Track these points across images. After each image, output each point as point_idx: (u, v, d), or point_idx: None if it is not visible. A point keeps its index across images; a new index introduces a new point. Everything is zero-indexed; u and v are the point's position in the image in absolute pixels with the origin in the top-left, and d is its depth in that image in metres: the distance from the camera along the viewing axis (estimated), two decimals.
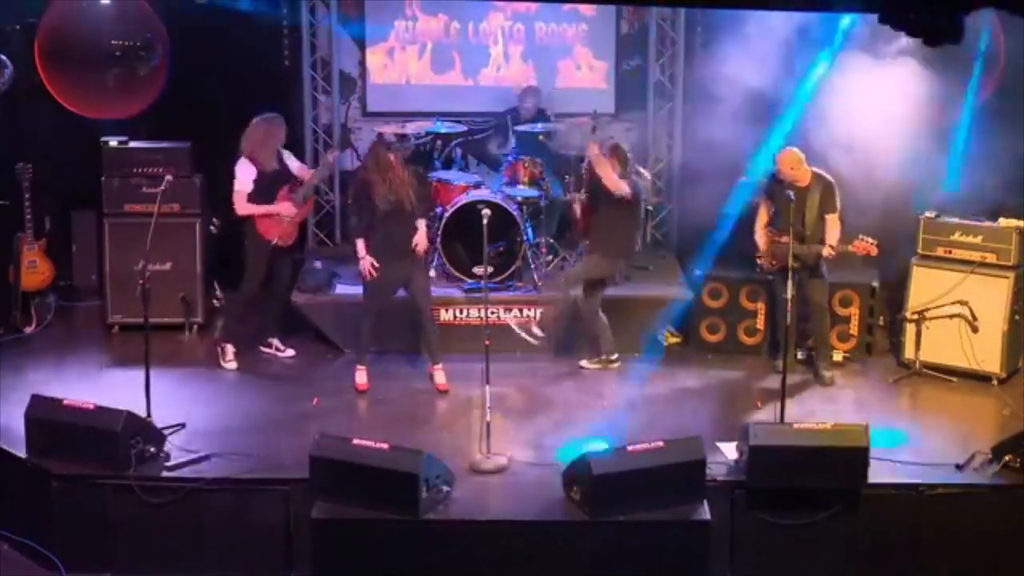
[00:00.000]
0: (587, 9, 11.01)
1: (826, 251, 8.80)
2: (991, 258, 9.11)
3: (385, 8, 11.18)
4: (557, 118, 10.70)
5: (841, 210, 8.90)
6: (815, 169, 8.92)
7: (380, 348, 9.55)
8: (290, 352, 9.56)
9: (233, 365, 9.30)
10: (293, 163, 9.38)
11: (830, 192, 8.88)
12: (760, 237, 9.12)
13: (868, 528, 7.38)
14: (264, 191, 9.12)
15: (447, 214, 9.73)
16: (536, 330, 9.20)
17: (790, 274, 8.25)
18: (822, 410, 8.50)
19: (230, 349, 9.34)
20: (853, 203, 9.28)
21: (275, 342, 9.56)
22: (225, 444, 7.86)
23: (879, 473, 7.43)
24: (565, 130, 10.69)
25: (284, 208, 9.16)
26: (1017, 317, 9.08)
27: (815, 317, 9.12)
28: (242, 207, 9.09)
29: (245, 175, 9.07)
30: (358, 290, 9.50)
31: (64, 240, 10.50)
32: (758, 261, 9.19)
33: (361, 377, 8.94)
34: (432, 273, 9.90)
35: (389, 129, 10.90)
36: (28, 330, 9.92)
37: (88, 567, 7.42)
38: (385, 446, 7.17)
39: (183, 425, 8.05)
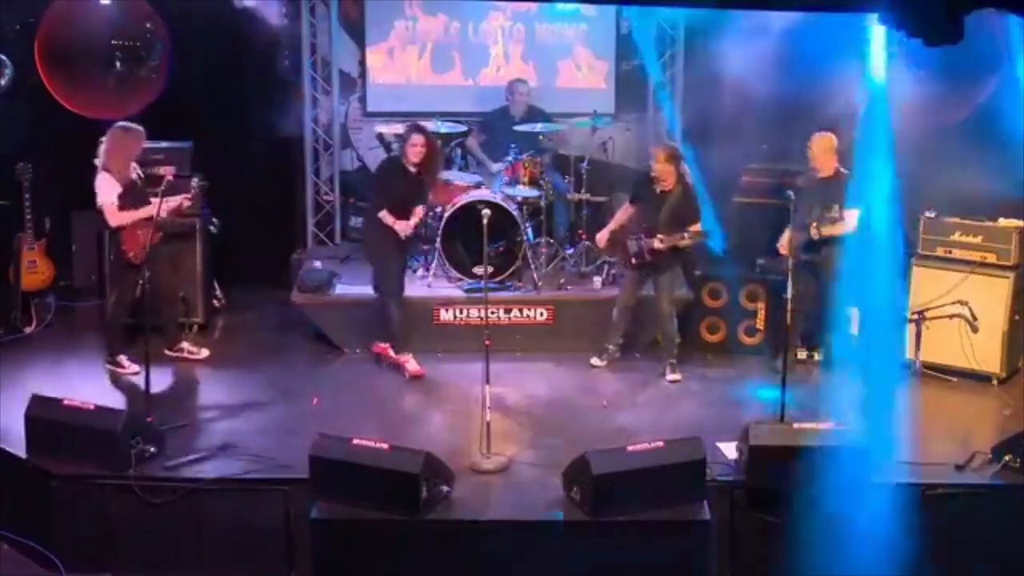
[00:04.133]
0: (587, 9, 11.01)
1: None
2: (991, 258, 9.12)
3: (385, 8, 11.18)
4: (557, 118, 10.70)
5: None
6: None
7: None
8: (134, 368, 8.99)
9: (135, 368, 8.93)
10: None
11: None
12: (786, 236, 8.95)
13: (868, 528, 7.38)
14: (131, 203, 8.82)
15: (447, 214, 9.73)
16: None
17: (790, 274, 8.25)
18: (822, 410, 8.49)
19: (124, 359, 9.08)
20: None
21: (122, 359, 9.13)
22: (225, 444, 7.87)
23: (879, 473, 7.42)
24: (565, 130, 10.72)
25: (150, 209, 8.69)
26: (1017, 317, 9.08)
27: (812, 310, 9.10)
28: (117, 217, 8.75)
29: (108, 189, 8.77)
30: (358, 290, 9.54)
31: (64, 240, 10.50)
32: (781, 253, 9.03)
33: (413, 365, 9.14)
34: (430, 273, 9.94)
35: (389, 129, 10.92)
36: (28, 330, 9.91)
37: (88, 567, 7.42)
38: (385, 446, 7.17)
39: (183, 425, 8.05)
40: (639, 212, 9.12)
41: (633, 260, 9.11)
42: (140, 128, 8.95)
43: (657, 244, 8.91)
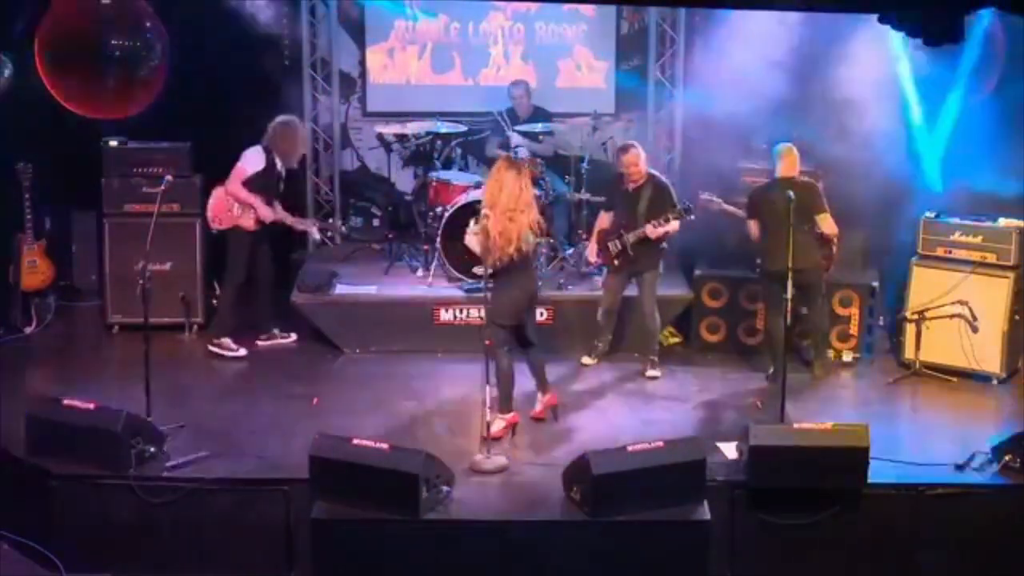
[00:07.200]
0: (587, 9, 11.02)
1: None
2: (991, 258, 9.12)
3: (385, 8, 11.17)
4: (557, 118, 10.70)
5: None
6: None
7: (380, 348, 9.59)
8: (292, 336, 9.69)
9: (242, 352, 9.45)
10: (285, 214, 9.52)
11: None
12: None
13: (868, 528, 7.38)
14: (259, 188, 9.22)
15: (447, 214, 9.73)
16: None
17: (789, 274, 8.23)
18: (822, 410, 8.50)
19: (227, 341, 9.45)
20: (853, 201, 9.29)
21: (275, 331, 9.67)
22: (225, 444, 7.87)
23: (879, 473, 7.43)
24: (565, 130, 10.71)
25: (264, 212, 9.28)
26: (1017, 317, 9.09)
27: (818, 311, 9.09)
28: (237, 186, 9.18)
29: (252, 161, 9.20)
30: (358, 290, 9.52)
31: (64, 240, 10.50)
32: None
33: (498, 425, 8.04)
34: (431, 273, 9.93)
35: (389, 129, 10.93)
36: (28, 330, 9.92)
37: (88, 567, 7.42)
38: (385, 446, 7.17)
39: (183, 425, 8.05)
40: (616, 216, 9.22)
41: (616, 261, 9.19)
42: (300, 124, 9.56)
43: (650, 230, 8.97)
